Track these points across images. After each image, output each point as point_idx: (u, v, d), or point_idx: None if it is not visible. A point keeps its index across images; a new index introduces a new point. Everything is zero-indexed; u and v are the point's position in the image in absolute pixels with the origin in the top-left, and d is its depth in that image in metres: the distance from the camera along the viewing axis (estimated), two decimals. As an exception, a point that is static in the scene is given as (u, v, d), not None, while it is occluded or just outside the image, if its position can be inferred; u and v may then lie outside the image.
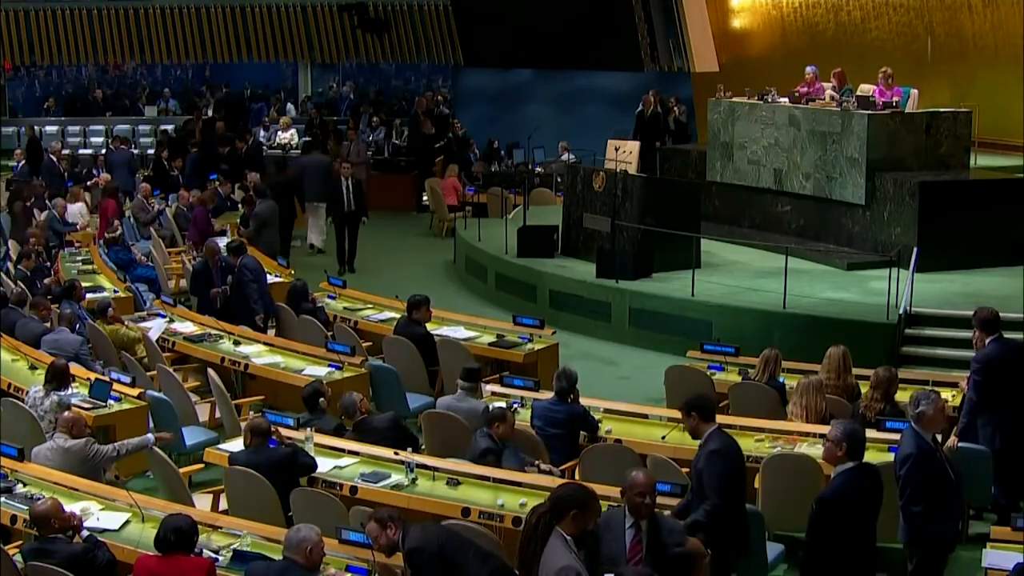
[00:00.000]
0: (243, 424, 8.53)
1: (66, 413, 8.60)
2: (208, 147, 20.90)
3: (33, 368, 10.42)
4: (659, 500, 7.32)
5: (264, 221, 15.71)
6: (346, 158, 20.44)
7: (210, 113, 24.55)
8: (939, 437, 7.04)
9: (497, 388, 9.75)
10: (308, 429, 8.57)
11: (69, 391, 9.56)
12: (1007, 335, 8.86)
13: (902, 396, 9.02)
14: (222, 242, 14.87)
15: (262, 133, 23.13)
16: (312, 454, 8.27)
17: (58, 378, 9.39)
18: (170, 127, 24.31)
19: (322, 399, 9.01)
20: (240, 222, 16.42)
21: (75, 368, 10.08)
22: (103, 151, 22.95)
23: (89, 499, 7.75)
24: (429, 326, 11.32)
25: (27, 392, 9.60)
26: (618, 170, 14.44)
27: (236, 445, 8.36)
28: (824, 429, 8.59)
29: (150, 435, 8.75)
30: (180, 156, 20.38)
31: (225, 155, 20.69)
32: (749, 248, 14.81)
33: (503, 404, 9.09)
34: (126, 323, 11.74)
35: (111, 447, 8.52)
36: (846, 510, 6.30)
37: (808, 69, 15.98)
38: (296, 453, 8.00)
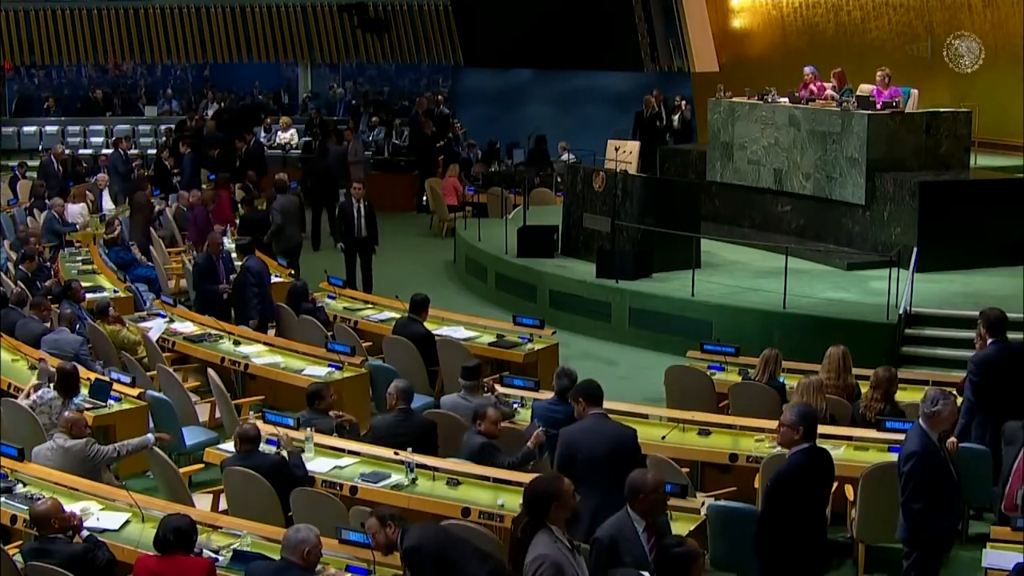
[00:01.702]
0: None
1: (67, 413, 8.59)
2: (202, 148, 20.93)
3: (33, 368, 10.41)
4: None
5: (287, 216, 15.58)
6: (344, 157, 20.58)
7: (209, 113, 24.58)
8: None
9: (497, 388, 9.73)
10: (308, 429, 8.56)
11: (80, 398, 9.53)
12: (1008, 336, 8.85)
13: (902, 396, 9.04)
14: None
15: (262, 133, 23.13)
16: (312, 453, 8.28)
17: (67, 383, 9.35)
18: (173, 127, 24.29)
19: (319, 401, 8.99)
20: (240, 223, 16.37)
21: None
22: (103, 151, 22.97)
23: (89, 499, 7.75)
24: (429, 326, 11.32)
25: (32, 391, 9.55)
26: (618, 170, 14.44)
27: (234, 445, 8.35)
28: (824, 429, 8.62)
29: (150, 435, 8.76)
30: (174, 157, 20.45)
31: (216, 156, 20.69)
32: (749, 248, 14.81)
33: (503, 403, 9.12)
34: (127, 325, 11.72)
35: (111, 447, 8.52)
36: (801, 486, 6.39)
37: (807, 69, 15.98)
38: (285, 463, 7.94)
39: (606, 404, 9.33)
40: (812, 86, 15.67)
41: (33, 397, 9.43)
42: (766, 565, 6.55)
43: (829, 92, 15.48)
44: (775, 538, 6.42)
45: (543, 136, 22.00)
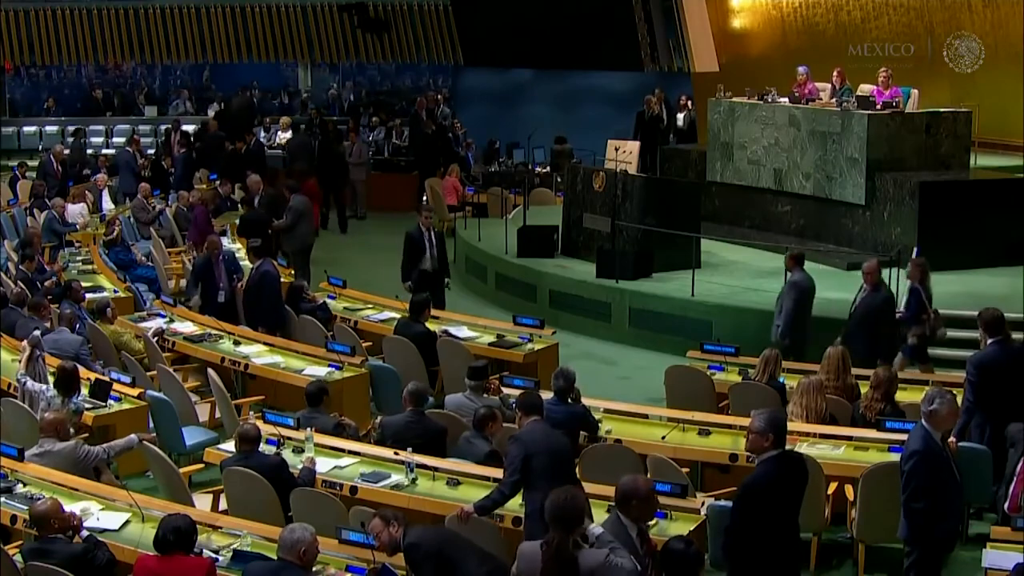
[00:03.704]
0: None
1: (47, 415, 8.56)
2: (206, 148, 20.93)
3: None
4: (659, 500, 7.35)
5: (300, 215, 15.48)
6: (349, 158, 20.60)
7: (210, 114, 24.56)
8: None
9: (501, 390, 9.72)
10: (308, 429, 8.56)
11: (80, 397, 9.55)
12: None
13: (902, 396, 9.05)
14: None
15: (262, 133, 23.11)
16: (312, 453, 8.28)
17: (68, 382, 9.37)
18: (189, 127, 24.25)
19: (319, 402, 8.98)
20: (240, 224, 16.30)
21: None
22: (103, 151, 22.93)
23: (89, 499, 7.76)
24: (429, 324, 11.32)
25: (33, 387, 9.56)
26: (618, 170, 14.44)
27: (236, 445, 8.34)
28: (824, 429, 8.64)
29: (134, 436, 8.72)
30: (170, 156, 20.47)
31: (215, 156, 20.71)
32: (749, 248, 14.80)
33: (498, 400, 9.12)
34: (131, 331, 11.69)
35: (100, 448, 8.52)
36: (770, 496, 6.29)
37: (800, 69, 15.99)
38: (285, 464, 7.92)
39: (606, 404, 9.45)
40: (806, 87, 15.67)
41: (32, 386, 9.43)
42: (737, 572, 6.47)
43: (827, 92, 15.47)
44: (745, 547, 6.30)
45: (563, 136, 21.88)
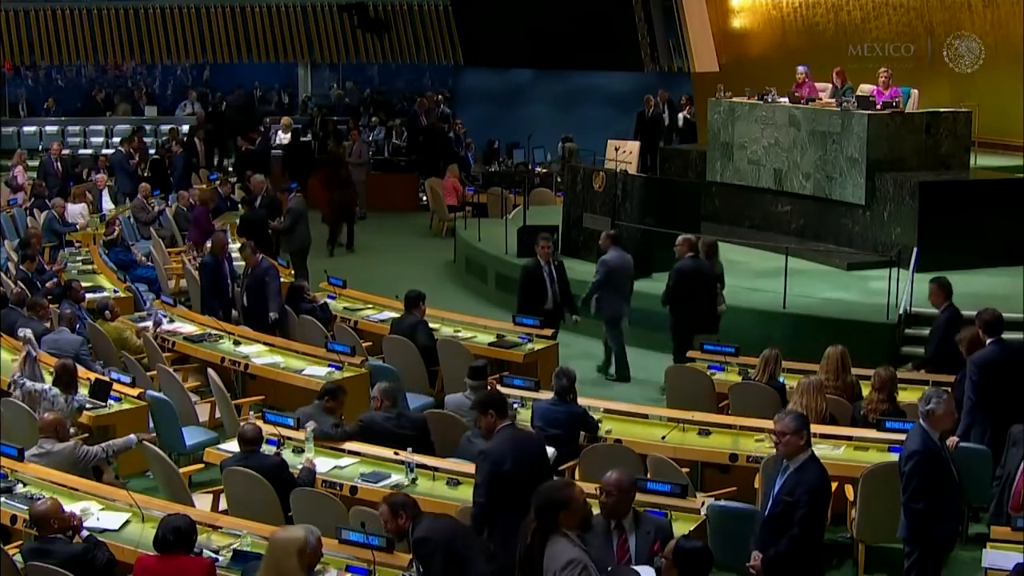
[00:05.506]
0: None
1: (47, 416, 8.57)
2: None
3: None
4: (659, 500, 7.37)
5: (298, 216, 15.45)
6: (349, 158, 20.57)
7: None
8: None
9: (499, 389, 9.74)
10: (308, 428, 8.55)
11: (80, 397, 9.56)
12: (1008, 335, 8.87)
13: (902, 396, 9.05)
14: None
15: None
16: (312, 453, 8.28)
17: (69, 379, 9.37)
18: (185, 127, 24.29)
19: (330, 399, 8.94)
20: (240, 224, 16.28)
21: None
22: (103, 151, 22.94)
23: (89, 499, 7.76)
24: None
25: (33, 387, 9.55)
26: (618, 170, 14.44)
27: (236, 445, 8.34)
28: (824, 429, 8.64)
29: (133, 436, 8.73)
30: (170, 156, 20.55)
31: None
32: (749, 248, 14.79)
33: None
34: (131, 329, 11.68)
35: (99, 448, 8.53)
36: (829, 494, 6.33)
37: (800, 69, 15.98)
38: (285, 465, 7.92)
39: (606, 404, 9.46)
40: (805, 86, 15.67)
41: (33, 386, 9.42)
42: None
43: (827, 92, 15.46)
44: (805, 554, 6.25)
45: (570, 136, 21.83)
